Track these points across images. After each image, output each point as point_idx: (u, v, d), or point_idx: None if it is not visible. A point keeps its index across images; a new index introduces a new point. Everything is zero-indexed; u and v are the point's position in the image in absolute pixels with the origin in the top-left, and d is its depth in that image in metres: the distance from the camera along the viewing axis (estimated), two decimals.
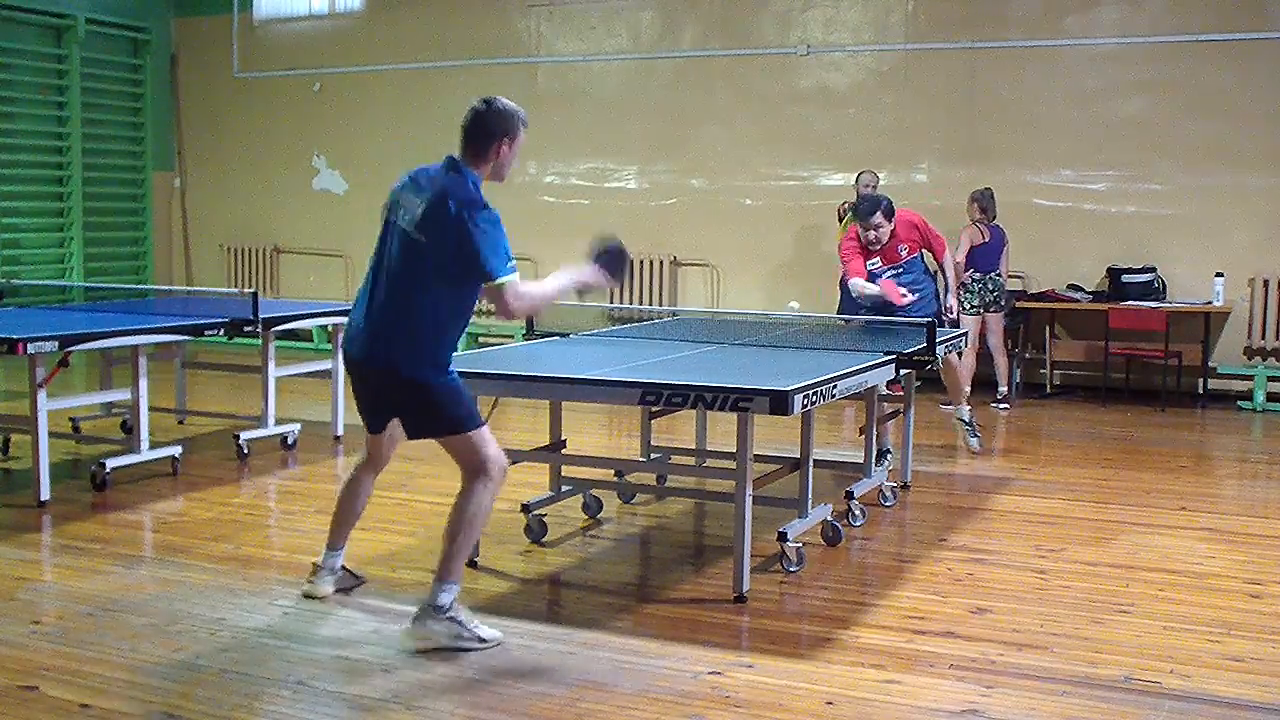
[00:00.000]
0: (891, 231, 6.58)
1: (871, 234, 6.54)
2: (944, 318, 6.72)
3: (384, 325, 3.77)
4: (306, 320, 7.36)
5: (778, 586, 4.53)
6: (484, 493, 3.80)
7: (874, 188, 8.95)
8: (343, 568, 4.37)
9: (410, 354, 3.73)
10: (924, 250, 6.80)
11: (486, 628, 3.82)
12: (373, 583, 4.48)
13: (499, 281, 3.64)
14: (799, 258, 10.22)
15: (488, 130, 3.80)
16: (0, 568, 4.65)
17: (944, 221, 9.45)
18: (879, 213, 6.54)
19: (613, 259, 4.00)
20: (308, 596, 4.27)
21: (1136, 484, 6.40)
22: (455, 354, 3.88)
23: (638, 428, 6.21)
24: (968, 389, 8.65)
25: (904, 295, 6.47)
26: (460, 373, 4.55)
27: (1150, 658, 3.81)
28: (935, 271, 7.02)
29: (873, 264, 6.62)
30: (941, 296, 6.92)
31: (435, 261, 3.67)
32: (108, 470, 5.94)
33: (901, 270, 6.63)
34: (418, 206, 3.71)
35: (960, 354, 7.03)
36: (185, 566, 4.69)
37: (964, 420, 7.09)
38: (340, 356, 3.86)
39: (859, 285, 6.61)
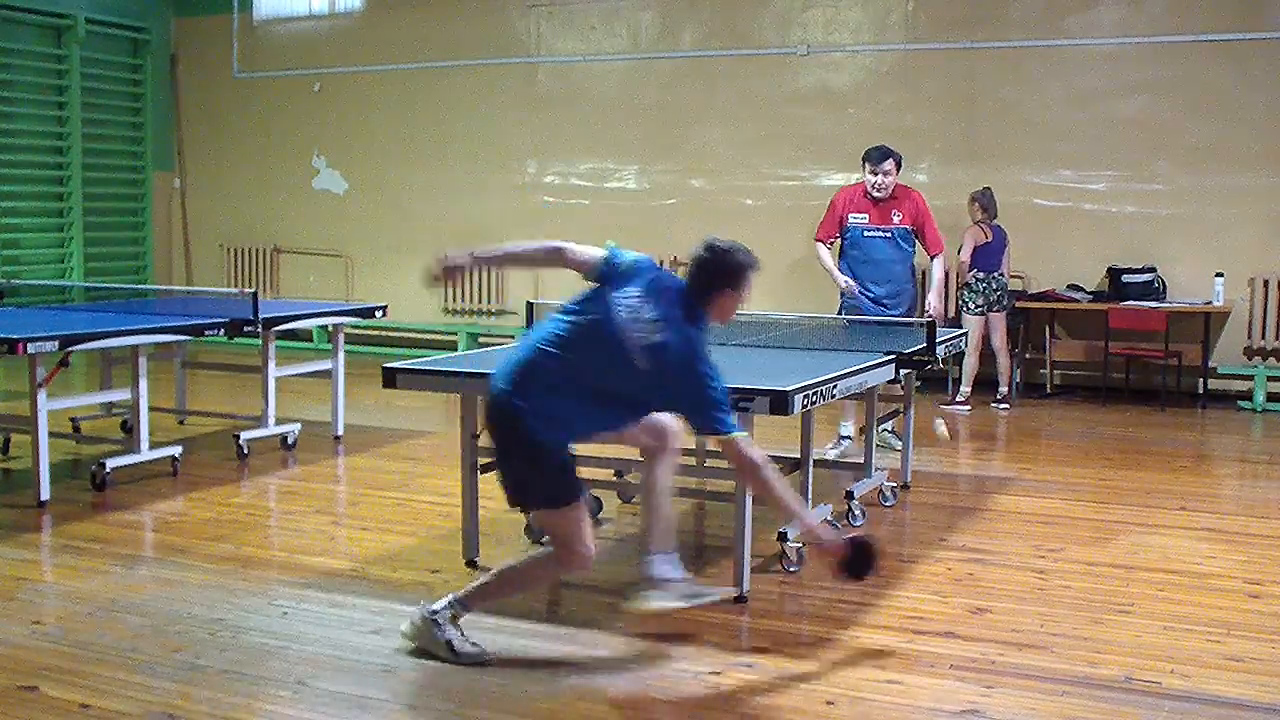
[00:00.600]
0: (895, 190, 6.73)
1: (878, 178, 6.74)
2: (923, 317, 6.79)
3: (532, 375, 3.59)
4: (306, 320, 7.36)
5: (778, 586, 4.52)
6: (550, 568, 3.76)
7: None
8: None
9: (539, 411, 3.55)
10: (916, 237, 6.90)
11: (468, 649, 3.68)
12: (373, 582, 4.49)
13: (731, 437, 3.53)
14: (800, 258, 10.21)
15: (707, 279, 3.66)
16: (0, 568, 4.65)
17: (944, 221, 9.43)
18: (890, 159, 6.76)
19: (859, 561, 3.70)
20: (639, 612, 3.91)
21: (1136, 484, 6.40)
22: (573, 438, 3.68)
23: None
24: (968, 388, 8.69)
25: (848, 284, 6.79)
26: (461, 373, 4.59)
27: (1150, 658, 3.81)
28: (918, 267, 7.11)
29: (861, 217, 6.80)
30: (925, 296, 6.97)
31: (637, 379, 3.55)
32: (108, 470, 5.94)
33: (889, 235, 6.74)
34: (649, 327, 3.54)
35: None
36: (185, 566, 4.69)
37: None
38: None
39: (819, 250, 6.96)
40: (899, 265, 6.86)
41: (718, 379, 3.58)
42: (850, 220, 6.83)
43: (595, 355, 3.59)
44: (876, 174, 6.73)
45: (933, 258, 7.02)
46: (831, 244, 6.99)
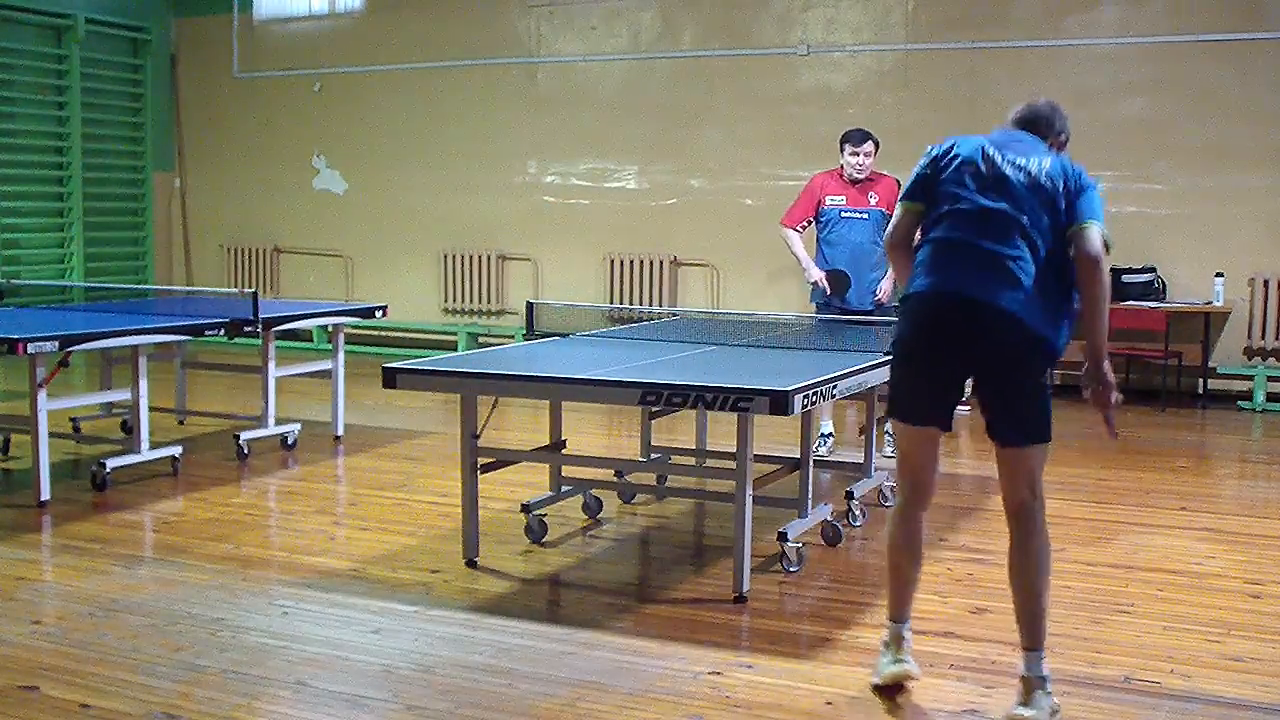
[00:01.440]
0: (872, 173, 6.82)
1: (858, 159, 6.79)
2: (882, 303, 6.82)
3: (1009, 272, 3.29)
4: (306, 320, 7.36)
5: (778, 586, 4.53)
6: (1045, 543, 3.49)
7: None
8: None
9: (1041, 309, 3.32)
10: (887, 220, 6.92)
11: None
12: (373, 583, 4.49)
13: (1087, 224, 3.32)
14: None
15: (1047, 123, 3.75)
16: (0, 568, 4.66)
17: None
18: (870, 141, 6.81)
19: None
20: (895, 678, 3.51)
21: (1136, 484, 6.40)
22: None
23: (638, 428, 6.21)
24: (968, 389, 8.66)
25: (820, 280, 6.80)
26: (461, 373, 4.58)
27: (1150, 658, 3.81)
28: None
29: (838, 199, 6.87)
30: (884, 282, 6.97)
31: (1054, 214, 3.38)
32: (108, 470, 5.94)
33: (866, 217, 6.78)
34: (1037, 155, 3.47)
35: None
36: (185, 566, 4.69)
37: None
38: (911, 304, 3.45)
39: (786, 236, 6.98)
40: (878, 248, 6.83)
41: (1094, 187, 3.47)
42: (828, 202, 6.85)
43: (1024, 208, 3.36)
44: (858, 154, 6.75)
45: None
46: (802, 229, 6.98)
